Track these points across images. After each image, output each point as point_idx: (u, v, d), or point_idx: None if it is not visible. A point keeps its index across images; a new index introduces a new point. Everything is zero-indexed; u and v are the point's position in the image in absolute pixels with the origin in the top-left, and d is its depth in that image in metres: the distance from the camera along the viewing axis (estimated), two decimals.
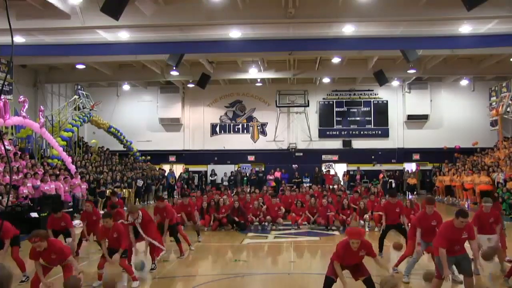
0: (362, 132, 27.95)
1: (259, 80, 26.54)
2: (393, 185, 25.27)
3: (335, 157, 27.93)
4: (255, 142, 28.46)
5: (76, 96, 24.42)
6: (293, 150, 27.95)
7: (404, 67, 22.06)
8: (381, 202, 14.05)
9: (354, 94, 28.09)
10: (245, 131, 28.59)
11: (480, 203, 11.52)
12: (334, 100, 28.08)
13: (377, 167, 27.31)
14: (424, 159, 27.54)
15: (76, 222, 12.35)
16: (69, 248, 6.86)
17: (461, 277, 6.55)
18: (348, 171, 27.16)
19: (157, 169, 25.90)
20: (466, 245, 6.39)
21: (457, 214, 6.22)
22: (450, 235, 6.17)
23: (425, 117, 27.54)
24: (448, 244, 6.12)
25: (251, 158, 28.29)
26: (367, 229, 13.27)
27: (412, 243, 8.04)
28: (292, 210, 14.46)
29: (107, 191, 18.43)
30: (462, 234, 6.19)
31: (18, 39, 16.19)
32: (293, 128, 28.28)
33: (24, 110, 17.21)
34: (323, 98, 28.15)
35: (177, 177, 26.23)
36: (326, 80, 26.84)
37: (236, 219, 13.69)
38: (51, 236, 7.88)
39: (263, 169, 27.49)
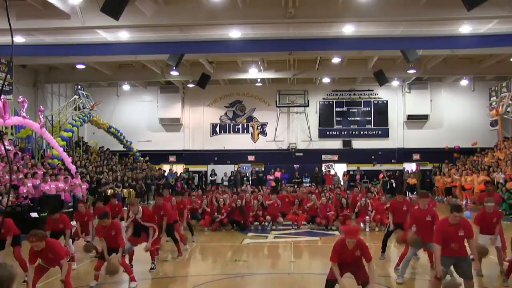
0: (362, 132, 27.94)
1: (259, 80, 26.52)
2: (394, 185, 25.27)
3: (335, 157, 27.91)
4: (255, 142, 28.45)
5: (76, 96, 24.42)
6: (293, 150, 27.93)
7: (404, 67, 22.03)
8: (380, 200, 14.15)
9: (354, 94, 28.08)
10: (245, 131, 28.57)
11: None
12: (334, 100, 28.07)
13: (377, 167, 27.31)
14: (424, 159, 27.53)
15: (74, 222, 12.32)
16: (67, 250, 6.84)
17: (460, 279, 6.46)
18: (348, 171, 27.15)
19: (157, 169, 25.89)
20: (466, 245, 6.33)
21: (451, 209, 6.15)
22: (444, 231, 6.09)
23: (425, 117, 27.52)
24: (443, 240, 6.03)
25: (251, 158, 28.28)
26: (367, 230, 13.29)
27: None
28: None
29: (108, 191, 18.41)
30: (458, 231, 6.07)
31: (18, 39, 16.16)
32: (293, 128, 28.26)
33: (24, 110, 17.19)
34: (323, 98, 28.14)
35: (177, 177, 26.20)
36: (326, 80, 26.82)
37: (236, 214, 13.66)
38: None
39: (263, 169, 27.49)
